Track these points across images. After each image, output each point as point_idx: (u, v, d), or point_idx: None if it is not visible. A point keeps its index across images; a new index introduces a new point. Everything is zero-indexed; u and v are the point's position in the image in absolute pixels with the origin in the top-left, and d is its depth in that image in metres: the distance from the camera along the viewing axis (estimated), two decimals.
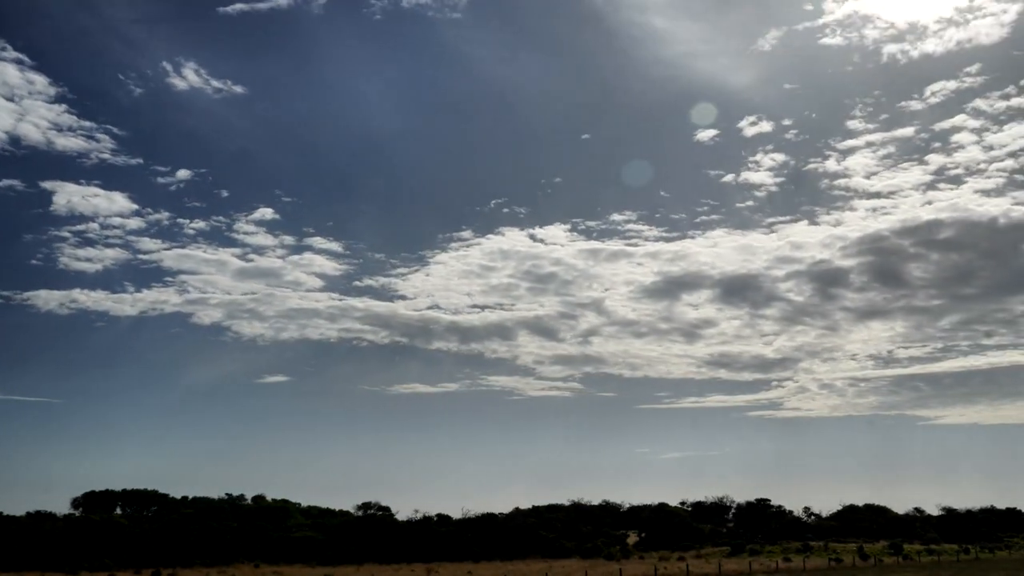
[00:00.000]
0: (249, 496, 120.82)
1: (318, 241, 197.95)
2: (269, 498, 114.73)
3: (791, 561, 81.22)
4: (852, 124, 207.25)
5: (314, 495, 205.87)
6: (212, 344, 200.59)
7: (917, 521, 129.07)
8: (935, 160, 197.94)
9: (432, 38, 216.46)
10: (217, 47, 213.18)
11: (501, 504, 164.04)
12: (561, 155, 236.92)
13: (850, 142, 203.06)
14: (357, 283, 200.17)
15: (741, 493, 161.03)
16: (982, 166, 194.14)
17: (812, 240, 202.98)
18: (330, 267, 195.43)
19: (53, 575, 65.67)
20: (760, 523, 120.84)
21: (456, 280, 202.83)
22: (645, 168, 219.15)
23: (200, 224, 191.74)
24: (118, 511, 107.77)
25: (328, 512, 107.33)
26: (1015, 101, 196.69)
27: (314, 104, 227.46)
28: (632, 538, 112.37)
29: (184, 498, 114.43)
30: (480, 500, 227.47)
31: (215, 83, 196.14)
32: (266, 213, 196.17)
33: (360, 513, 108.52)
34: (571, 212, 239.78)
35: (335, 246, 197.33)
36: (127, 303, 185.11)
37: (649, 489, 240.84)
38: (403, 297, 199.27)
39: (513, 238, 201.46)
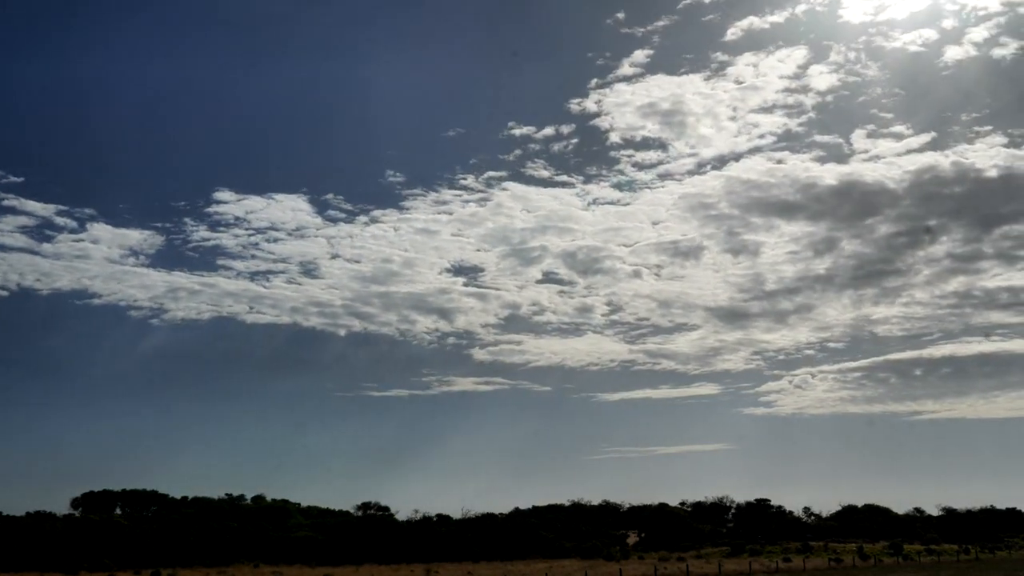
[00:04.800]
0: (249, 496, 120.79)
1: (93, 215, 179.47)
2: (269, 498, 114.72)
3: (791, 561, 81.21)
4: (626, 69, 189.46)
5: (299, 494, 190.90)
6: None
7: (917, 521, 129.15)
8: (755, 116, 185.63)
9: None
10: None
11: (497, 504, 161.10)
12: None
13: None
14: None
15: (721, 488, 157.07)
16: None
17: (640, 207, 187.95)
18: (146, 245, 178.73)
19: (53, 575, 65.64)
20: (760, 523, 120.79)
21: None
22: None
23: None
24: (117, 511, 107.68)
25: (328, 512, 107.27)
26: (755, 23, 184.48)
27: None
28: (632, 538, 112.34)
29: (184, 498, 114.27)
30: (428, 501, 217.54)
31: None
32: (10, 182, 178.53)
33: (360, 513, 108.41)
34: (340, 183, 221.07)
35: (92, 214, 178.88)
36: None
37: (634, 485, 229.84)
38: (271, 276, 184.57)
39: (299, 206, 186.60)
